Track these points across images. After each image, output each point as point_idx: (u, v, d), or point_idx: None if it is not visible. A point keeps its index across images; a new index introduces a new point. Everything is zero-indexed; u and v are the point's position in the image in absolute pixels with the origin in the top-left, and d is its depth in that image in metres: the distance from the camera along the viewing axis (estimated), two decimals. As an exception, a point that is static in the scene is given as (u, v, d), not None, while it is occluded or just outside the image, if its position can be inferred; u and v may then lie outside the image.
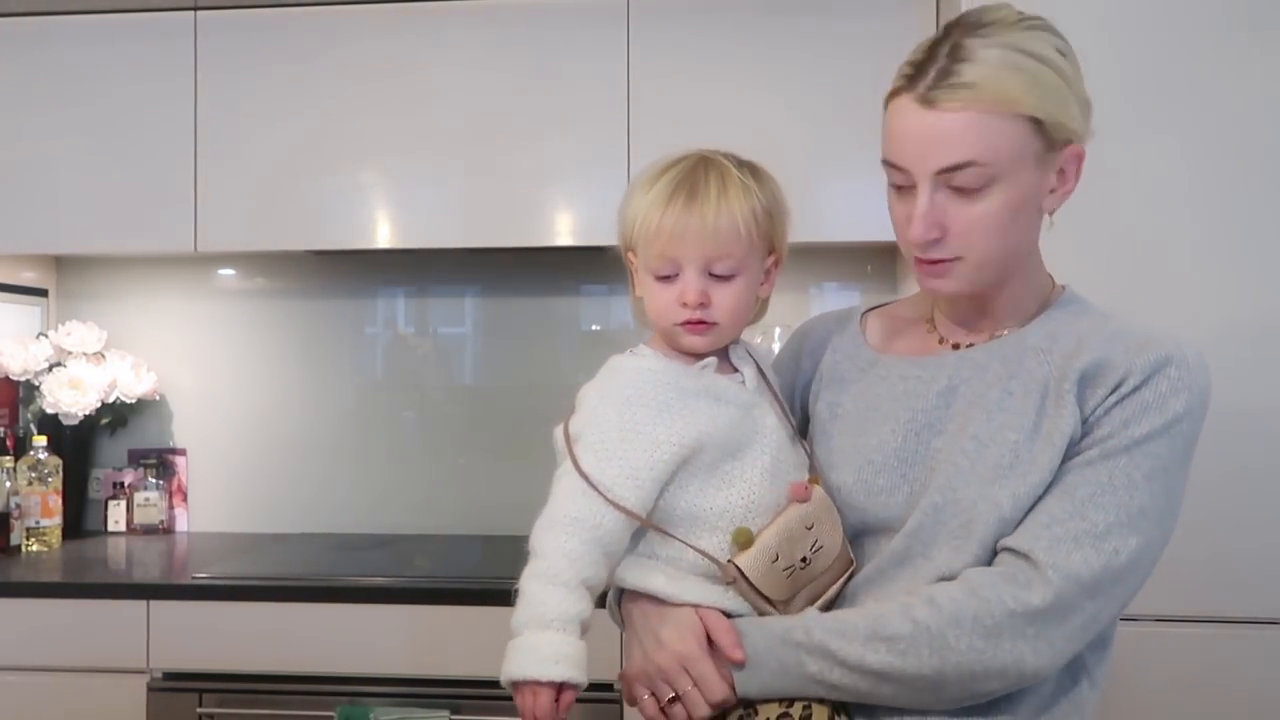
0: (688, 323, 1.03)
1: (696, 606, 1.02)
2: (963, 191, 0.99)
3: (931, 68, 0.99)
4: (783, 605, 1.01)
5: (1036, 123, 0.97)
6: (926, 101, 0.98)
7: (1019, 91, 0.96)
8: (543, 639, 0.95)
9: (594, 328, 2.55)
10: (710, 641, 1.01)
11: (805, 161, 2.09)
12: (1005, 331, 1.08)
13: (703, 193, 1.01)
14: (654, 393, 1.02)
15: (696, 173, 1.02)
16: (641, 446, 0.99)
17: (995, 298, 1.08)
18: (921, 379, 1.08)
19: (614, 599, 1.13)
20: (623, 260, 1.10)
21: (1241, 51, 1.73)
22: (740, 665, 1.00)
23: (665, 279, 1.02)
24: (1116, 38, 1.74)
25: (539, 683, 0.94)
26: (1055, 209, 1.04)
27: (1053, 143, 0.99)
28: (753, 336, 2.20)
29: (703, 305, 1.01)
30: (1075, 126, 1.00)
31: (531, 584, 0.98)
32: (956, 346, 1.11)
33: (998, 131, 0.97)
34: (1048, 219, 1.06)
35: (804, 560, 1.01)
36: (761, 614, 1.02)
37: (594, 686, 1.94)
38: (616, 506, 0.99)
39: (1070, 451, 0.99)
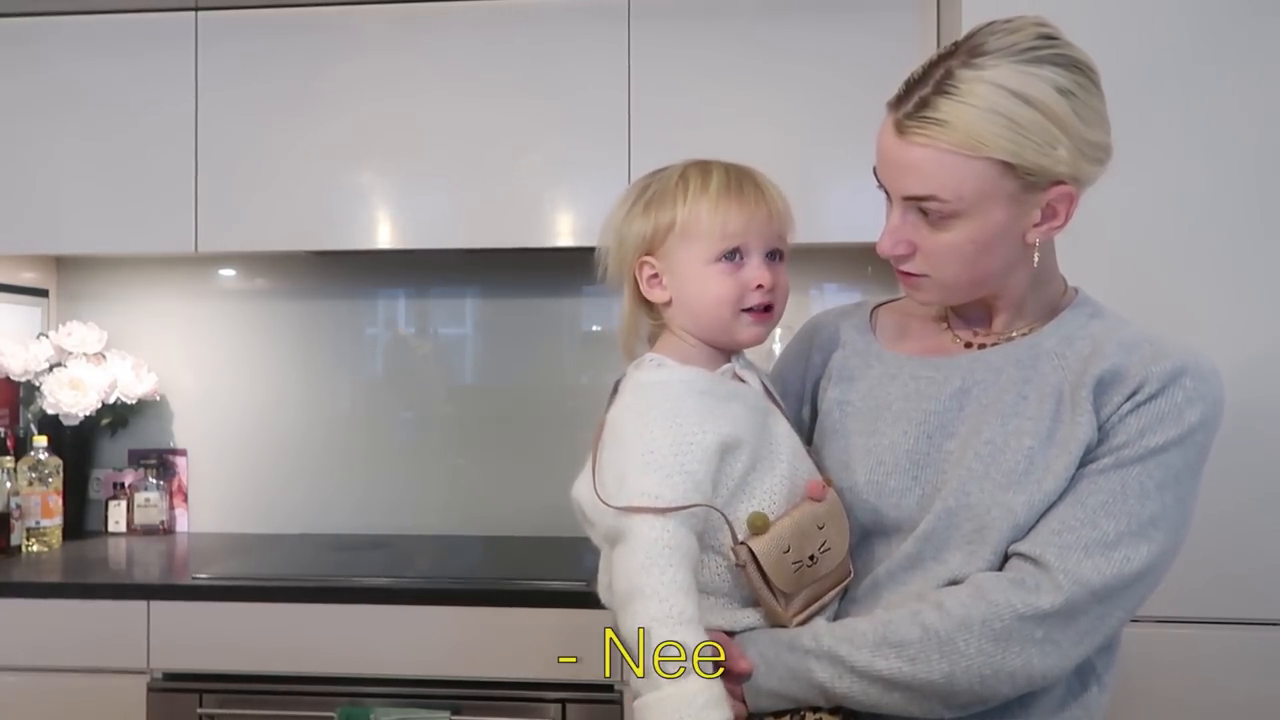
0: (757, 307, 1.05)
1: None
2: (929, 218, 1.00)
3: (918, 92, 0.98)
4: (784, 599, 1.01)
5: (1008, 166, 0.96)
6: (900, 128, 0.99)
7: (991, 135, 0.95)
8: (692, 687, 0.91)
9: (594, 328, 2.55)
10: None
11: (805, 162, 2.09)
12: (1016, 333, 1.08)
13: (761, 180, 1.06)
14: (694, 401, 1.01)
15: (739, 167, 1.07)
16: (697, 456, 0.98)
17: (997, 302, 1.08)
18: (934, 379, 1.08)
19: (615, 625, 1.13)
20: (615, 278, 1.09)
21: (1247, 52, 1.73)
22: (746, 675, 1.00)
23: (731, 265, 1.03)
24: (1120, 33, 1.74)
25: None
26: (1042, 241, 1.02)
27: (1033, 184, 0.97)
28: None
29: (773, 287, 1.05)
30: (1062, 170, 0.97)
31: (657, 630, 0.92)
32: (969, 345, 1.11)
33: (962, 171, 0.96)
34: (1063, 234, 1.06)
35: (811, 558, 1.01)
36: (764, 606, 1.02)
37: (594, 687, 1.96)
38: (696, 507, 0.96)
39: (1085, 458, 0.99)
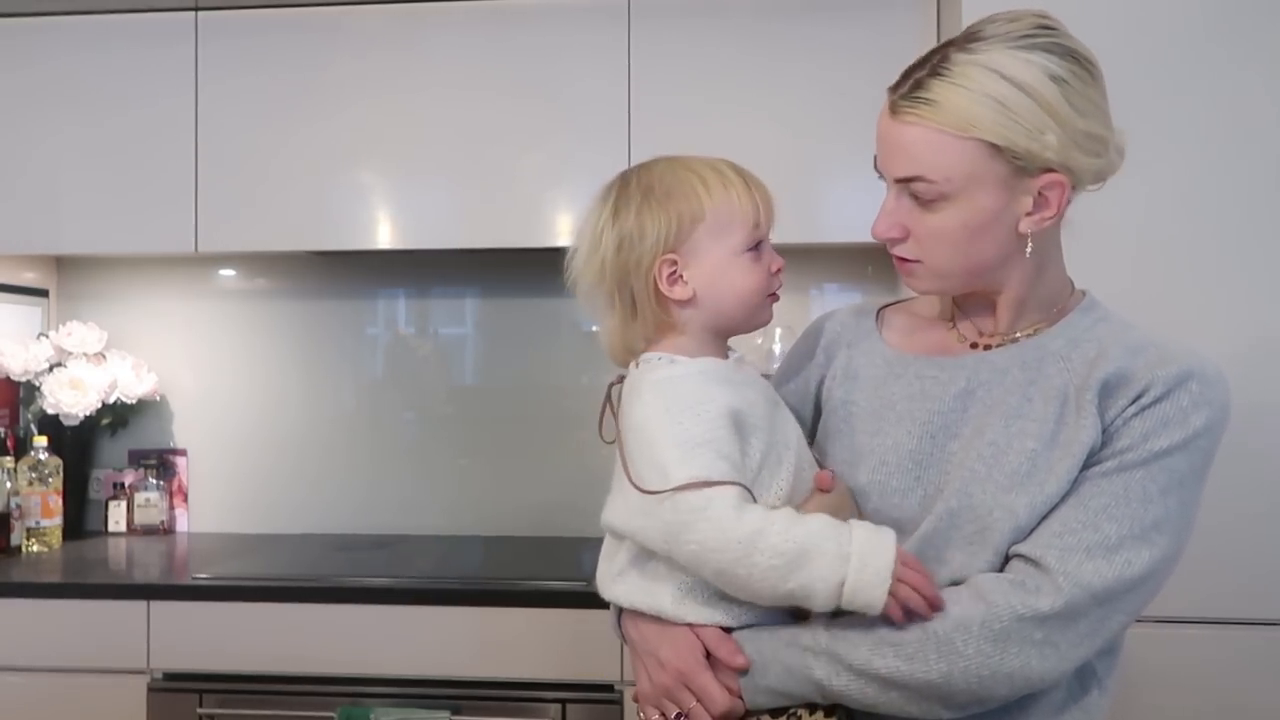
0: (773, 292, 1.08)
1: (693, 626, 1.02)
2: (921, 201, 1.01)
3: (914, 75, 1.00)
4: None
5: (996, 148, 0.97)
6: (894, 110, 1.01)
7: (980, 116, 0.96)
8: (857, 545, 0.93)
9: (594, 329, 2.55)
10: (711, 656, 1.01)
11: (805, 162, 2.09)
12: (1021, 333, 1.08)
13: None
14: (716, 388, 1.01)
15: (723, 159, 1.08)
16: (730, 440, 0.98)
17: (997, 298, 1.08)
18: (939, 380, 1.08)
19: (615, 618, 1.13)
20: (610, 284, 1.06)
21: (1261, 45, 1.73)
22: (744, 671, 1.00)
23: (756, 254, 1.05)
24: (1133, 27, 1.74)
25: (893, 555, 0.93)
26: (1035, 231, 1.01)
27: (1022, 169, 0.98)
28: (753, 337, 2.20)
29: None
30: (1051, 157, 0.97)
31: (782, 549, 0.92)
32: (975, 345, 1.10)
33: (949, 152, 0.97)
34: (1065, 230, 1.06)
35: None
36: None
37: (594, 687, 1.96)
38: (741, 485, 0.97)
39: (1088, 461, 0.98)
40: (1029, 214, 1.00)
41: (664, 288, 1.04)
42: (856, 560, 0.92)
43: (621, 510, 1.02)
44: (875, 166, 1.05)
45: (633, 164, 1.12)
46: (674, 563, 1.01)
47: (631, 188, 1.06)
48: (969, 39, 0.99)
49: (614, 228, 1.05)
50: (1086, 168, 1.00)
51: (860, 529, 0.95)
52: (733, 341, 1.11)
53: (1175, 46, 1.74)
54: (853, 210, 1.97)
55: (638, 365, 1.06)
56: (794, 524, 0.94)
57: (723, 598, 1.02)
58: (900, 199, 1.03)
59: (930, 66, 0.99)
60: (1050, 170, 0.98)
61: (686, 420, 0.98)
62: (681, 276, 1.04)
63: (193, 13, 2.24)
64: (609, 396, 1.08)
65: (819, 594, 0.93)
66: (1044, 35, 0.98)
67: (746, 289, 1.05)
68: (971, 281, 1.06)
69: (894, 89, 1.02)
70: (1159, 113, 1.72)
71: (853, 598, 0.93)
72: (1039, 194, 0.99)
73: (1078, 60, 0.99)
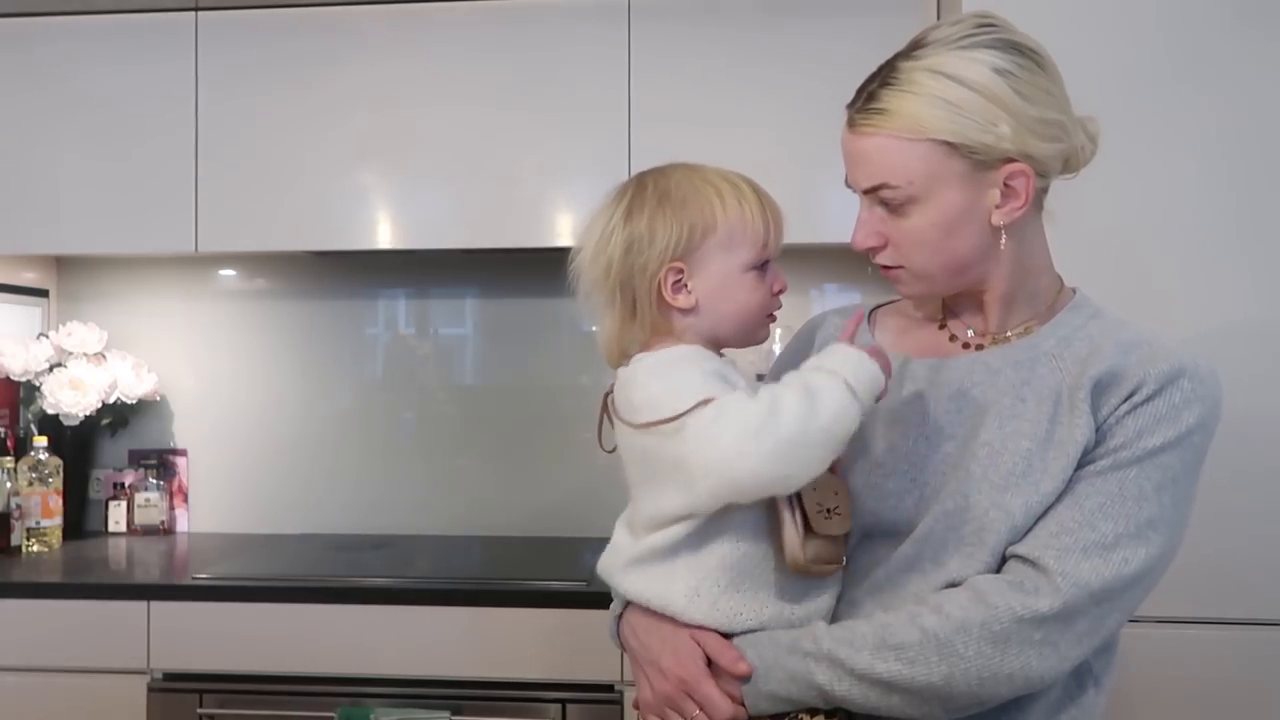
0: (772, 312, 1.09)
1: (693, 634, 1.02)
2: (890, 207, 1.03)
3: (866, 89, 1.03)
4: (805, 533, 0.99)
5: (951, 146, 0.98)
6: (850, 124, 1.04)
7: (930, 117, 0.98)
8: (827, 361, 0.98)
9: (594, 329, 2.55)
10: (713, 664, 1.01)
11: (805, 162, 2.08)
12: (1012, 332, 1.09)
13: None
14: (706, 362, 1.02)
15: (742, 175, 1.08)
16: (723, 391, 0.98)
17: (984, 296, 1.09)
18: (932, 381, 1.09)
19: (613, 628, 1.13)
20: (612, 286, 1.06)
21: (1243, 48, 1.73)
22: (746, 677, 1.00)
23: (761, 273, 1.06)
24: (1115, 32, 1.74)
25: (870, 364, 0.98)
26: (1008, 223, 1.02)
27: (982, 163, 0.99)
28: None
29: None
30: (1008, 147, 0.99)
31: (800, 392, 0.94)
32: (967, 346, 1.11)
33: (906, 155, 1.00)
34: (1048, 223, 1.08)
35: (829, 511, 1.00)
36: (785, 536, 1.00)
37: (594, 687, 1.96)
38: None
39: (1083, 460, 0.99)
40: (999, 206, 1.02)
41: (667, 294, 1.04)
42: (840, 367, 0.96)
43: (649, 501, 1.02)
44: (846, 183, 1.07)
45: (633, 165, 1.13)
46: (691, 562, 1.01)
47: (647, 191, 1.06)
48: (914, 47, 1.02)
49: (625, 229, 1.05)
50: (1049, 154, 1.01)
51: (812, 360, 1.00)
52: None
53: (1151, 55, 1.74)
54: (853, 211, 1.97)
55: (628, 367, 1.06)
56: (783, 382, 0.97)
57: (733, 593, 1.01)
58: (873, 209, 1.05)
59: (880, 78, 1.02)
60: (1011, 160, 1.00)
61: (687, 374, 0.99)
62: (686, 285, 1.04)
63: (193, 13, 2.24)
64: (605, 406, 1.08)
65: (846, 409, 0.94)
66: (985, 33, 1.00)
67: (748, 305, 1.06)
68: (954, 281, 1.07)
69: (850, 104, 1.04)
70: (1144, 109, 1.73)
71: (860, 388, 0.95)
72: (1005, 185, 1.01)
73: (1021, 51, 1.00)
